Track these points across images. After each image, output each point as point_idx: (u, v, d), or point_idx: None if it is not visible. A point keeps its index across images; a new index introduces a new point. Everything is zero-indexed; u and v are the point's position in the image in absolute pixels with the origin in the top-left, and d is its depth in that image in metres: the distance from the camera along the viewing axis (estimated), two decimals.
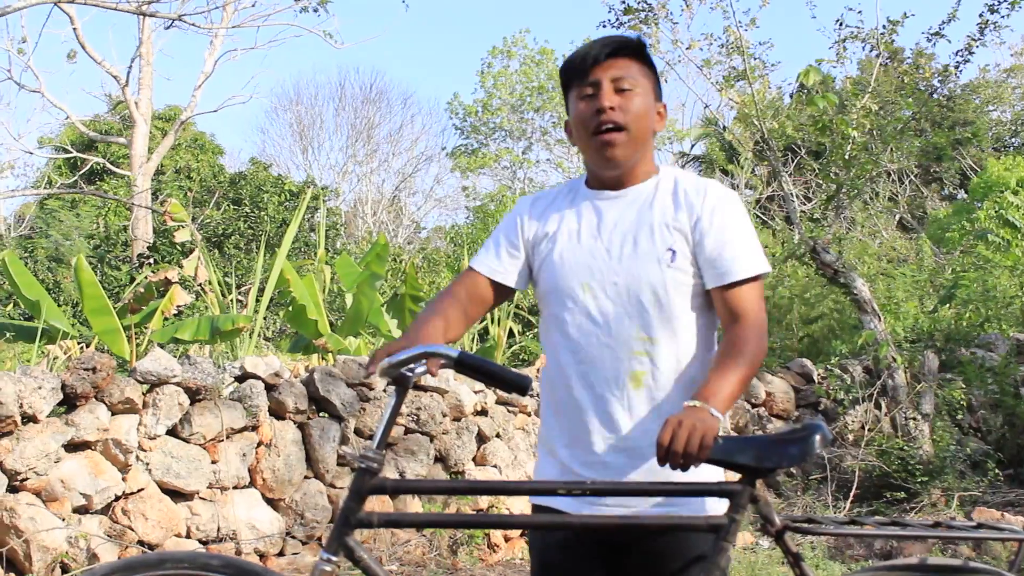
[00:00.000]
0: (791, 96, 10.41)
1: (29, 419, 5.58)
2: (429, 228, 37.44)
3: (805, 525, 2.49)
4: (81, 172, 21.53)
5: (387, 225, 34.99)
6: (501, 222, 2.86)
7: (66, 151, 23.64)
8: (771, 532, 2.51)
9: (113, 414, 5.93)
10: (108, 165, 20.99)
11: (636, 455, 2.58)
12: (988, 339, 12.28)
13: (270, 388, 6.70)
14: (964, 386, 10.33)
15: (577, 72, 2.65)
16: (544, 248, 2.72)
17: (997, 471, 9.75)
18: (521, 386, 2.37)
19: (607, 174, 2.68)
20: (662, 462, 2.34)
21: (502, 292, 2.80)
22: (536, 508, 2.75)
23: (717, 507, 2.56)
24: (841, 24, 10.12)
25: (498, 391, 7.96)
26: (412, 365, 2.41)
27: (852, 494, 8.71)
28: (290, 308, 9.19)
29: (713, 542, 2.45)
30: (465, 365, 2.37)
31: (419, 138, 38.73)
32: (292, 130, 38.16)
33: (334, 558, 2.43)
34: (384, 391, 7.15)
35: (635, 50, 2.67)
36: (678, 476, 2.48)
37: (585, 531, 2.65)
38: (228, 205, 21.09)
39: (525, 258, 2.77)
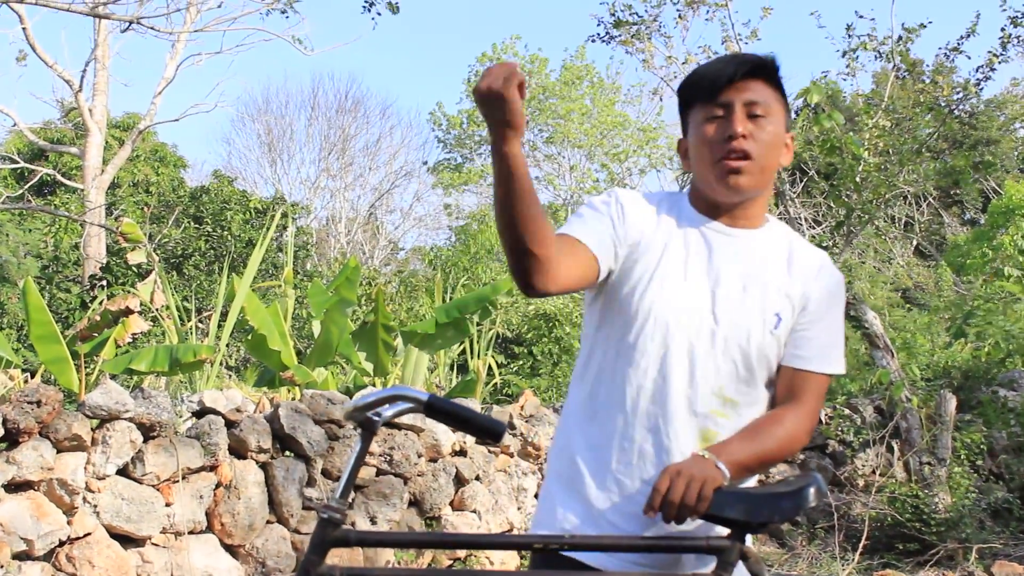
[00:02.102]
0: (796, 113, 10.45)
1: None
2: (407, 249, 37.35)
3: None
4: (29, 184, 21.42)
5: (362, 245, 34.93)
6: (596, 207, 2.62)
7: (13, 161, 23.53)
8: None
9: (59, 451, 5.91)
10: (59, 177, 20.93)
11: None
12: (1011, 376, 12.30)
13: (231, 424, 6.70)
14: (984, 428, 10.38)
15: (706, 91, 2.58)
16: (639, 267, 2.58)
17: (1022, 520, 9.78)
18: (495, 433, 2.37)
19: (727, 201, 2.61)
20: (656, 511, 2.36)
21: (590, 262, 2.53)
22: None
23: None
24: (851, 32, 10.20)
25: None
26: (379, 408, 2.40)
27: (862, 545, 8.70)
28: (250, 337, 9.19)
29: None
30: (435, 410, 2.37)
31: (398, 152, 38.63)
32: (260, 141, 38.05)
33: None
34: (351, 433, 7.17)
35: (771, 73, 2.60)
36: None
37: None
38: (188, 222, 21.07)
39: (625, 250, 2.59)
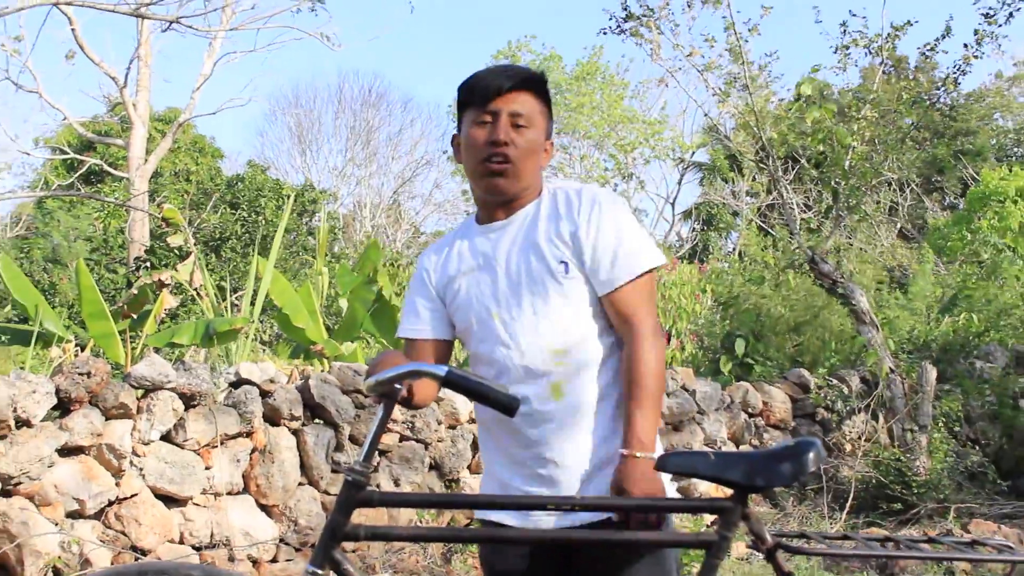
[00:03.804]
0: (790, 104, 10.39)
1: (23, 423, 5.56)
2: (428, 232, 37.30)
3: (796, 544, 2.49)
4: (79, 173, 21.47)
5: (385, 229, 34.87)
6: (411, 281, 2.92)
7: (63, 152, 23.59)
8: (762, 549, 2.50)
9: (107, 419, 5.92)
10: (106, 167, 20.94)
11: (569, 466, 2.65)
12: (987, 350, 12.27)
13: (265, 394, 6.69)
14: (962, 398, 10.35)
15: (479, 98, 2.69)
16: (451, 291, 2.79)
17: (996, 482, 9.76)
18: (509, 406, 2.37)
19: (490, 199, 2.75)
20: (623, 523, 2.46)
21: (438, 347, 2.86)
22: (484, 523, 2.79)
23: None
24: (845, 29, 10.14)
25: None
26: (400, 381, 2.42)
27: (848, 505, 8.68)
28: (278, 315, 9.18)
29: (706, 559, 2.46)
30: (452, 383, 2.37)
31: (419, 142, 38.58)
32: (291, 133, 38.03)
33: (320, 572, 2.43)
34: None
35: (537, 85, 2.73)
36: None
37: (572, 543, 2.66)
38: (225, 208, 21.07)
39: (441, 306, 2.84)
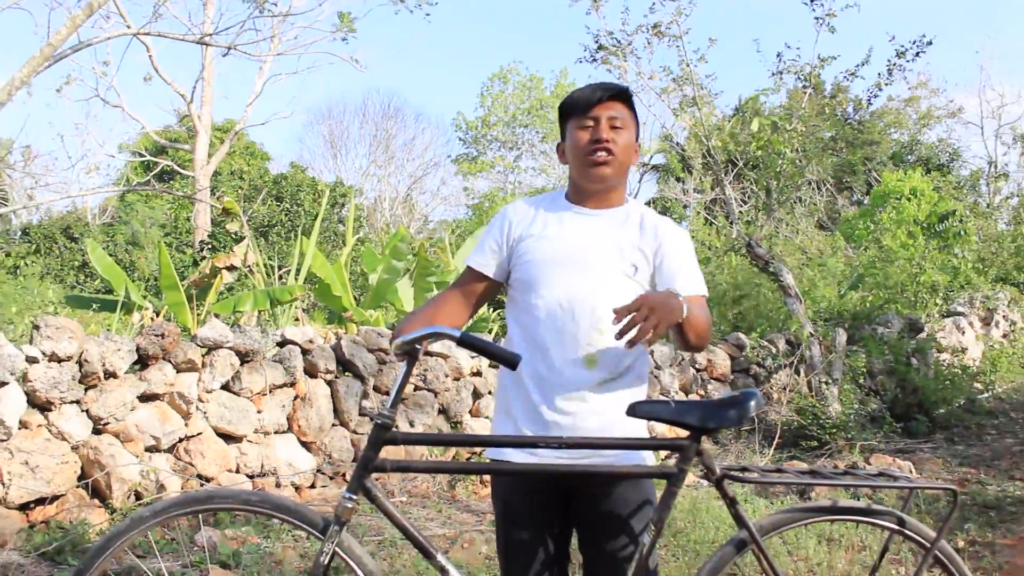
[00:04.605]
0: (731, 117, 10.37)
1: (110, 375, 5.54)
2: (435, 221, 37.31)
3: (740, 474, 2.48)
4: (153, 173, 21.34)
5: (401, 218, 34.84)
6: (492, 222, 2.81)
7: (141, 155, 23.52)
8: (711, 479, 2.49)
9: (178, 372, 5.90)
10: (176, 167, 20.86)
11: (585, 428, 2.56)
12: (886, 318, 12.31)
13: (305, 352, 6.66)
14: (866, 356, 10.37)
15: (580, 108, 2.66)
16: (525, 246, 2.68)
17: (892, 424, 9.79)
18: (512, 362, 2.35)
19: (594, 188, 2.67)
20: (618, 321, 2.31)
21: (491, 284, 2.77)
22: (493, 461, 2.70)
23: (650, 458, 2.61)
24: (781, 58, 10.15)
25: None
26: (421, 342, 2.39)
27: (775, 443, 8.71)
28: (318, 286, 9.14)
29: (666, 487, 2.44)
30: (466, 343, 2.34)
31: (428, 147, 38.58)
32: (324, 140, 38.01)
33: (355, 497, 2.41)
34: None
35: (626, 97, 2.69)
36: (630, 433, 2.54)
37: (551, 478, 2.61)
38: (272, 201, 20.97)
39: (507, 254, 2.73)
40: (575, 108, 2.68)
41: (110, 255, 21.55)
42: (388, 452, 6.04)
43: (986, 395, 11.97)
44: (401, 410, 7.17)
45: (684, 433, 2.44)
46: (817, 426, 9.02)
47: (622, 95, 2.69)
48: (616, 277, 2.60)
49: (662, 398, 2.22)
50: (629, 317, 2.28)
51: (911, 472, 8.22)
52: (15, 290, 14.06)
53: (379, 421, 2.41)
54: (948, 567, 2.55)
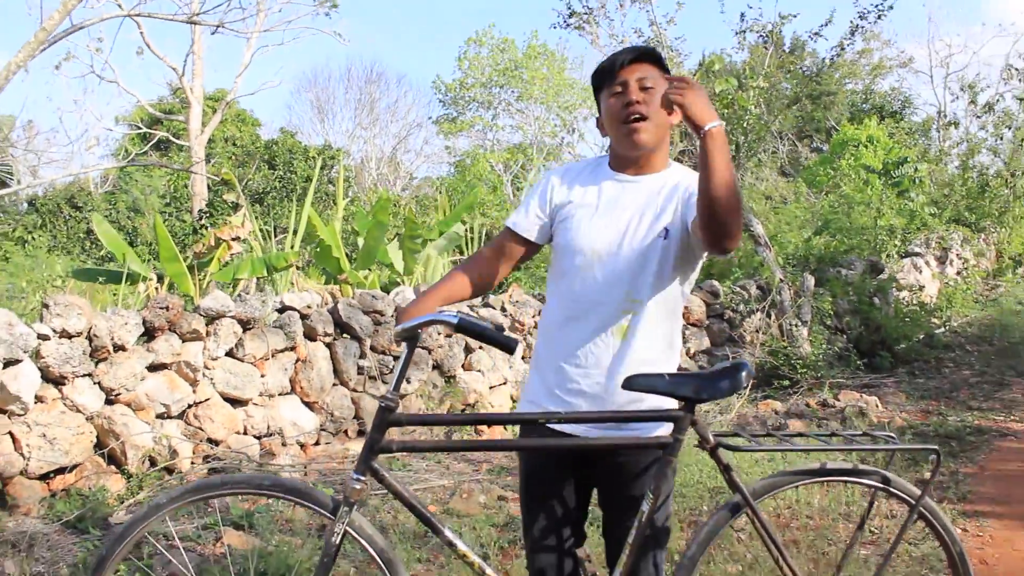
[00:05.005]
0: (694, 73, 10.23)
1: (119, 348, 5.43)
2: (420, 178, 37.12)
3: (732, 442, 2.42)
4: (150, 143, 21.06)
5: (387, 177, 34.59)
6: (534, 186, 2.64)
7: (137, 127, 23.16)
8: (705, 448, 2.43)
9: (183, 341, 5.79)
10: (171, 138, 20.55)
11: (607, 391, 2.45)
12: (849, 261, 12.31)
13: (304, 317, 6.56)
14: (831, 298, 10.36)
15: (607, 75, 2.48)
16: (566, 212, 2.54)
17: (856, 362, 9.81)
18: (509, 347, 2.26)
19: (633, 154, 2.49)
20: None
21: (529, 246, 2.63)
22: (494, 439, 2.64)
23: (663, 430, 2.47)
24: (744, 18, 10.03)
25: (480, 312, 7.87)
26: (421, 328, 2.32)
27: (750, 383, 8.68)
28: (318, 249, 9.01)
29: (662, 456, 2.37)
30: (463, 329, 2.25)
31: (411, 108, 38.32)
32: (312, 105, 37.77)
33: (363, 478, 2.33)
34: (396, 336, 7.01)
35: (652, 56, 2.50)
36: (656, 403, 2.43)
37: (564, 448, 2.54)
38: (264, 166, 20.70)
39: (549, 219, 2.58)
40: (603, 76, 2.51)
41: (112, 222, 21.37)
42: (390, 433, 5.95)
43: (943, 330, 12.02)
44: (394, 366, 7.07)
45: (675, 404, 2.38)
46: (789, 366, 9.03)
47: (648, 55, 2.49)
48: (649, 247, 2.44)
49: (661, 371, 2.17)
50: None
51: (877, 405, 8.25)
52: (25, 262, 13.88)
53: (383, 404, 2.33)
54: (932, 522, 2.51)
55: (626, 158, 2.52)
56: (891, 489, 2.48)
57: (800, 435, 2.59)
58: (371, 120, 36.84)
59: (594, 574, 2.62)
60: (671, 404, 2.41)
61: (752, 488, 2.45)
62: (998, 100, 18.28)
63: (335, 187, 17.33)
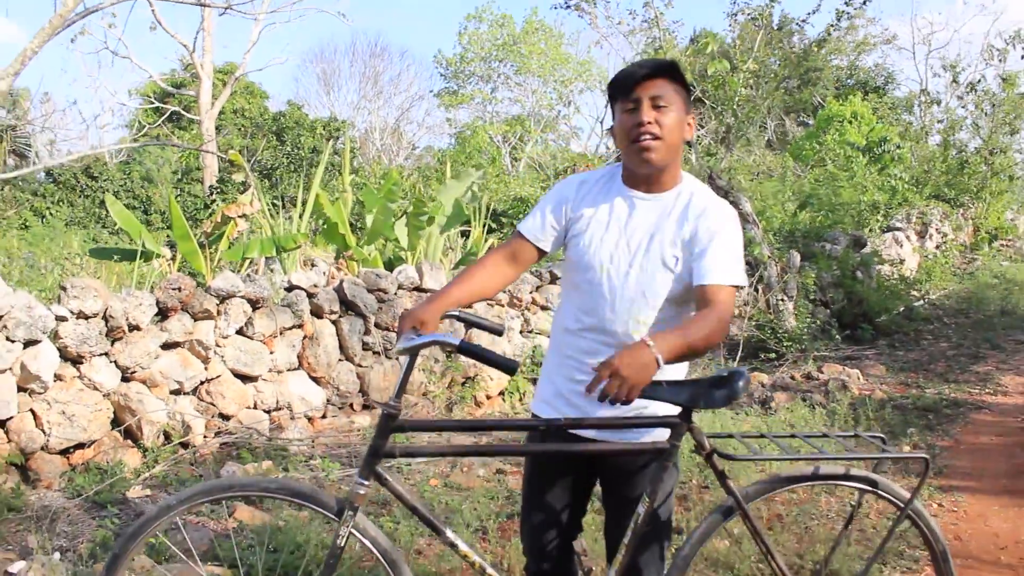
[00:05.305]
0: (686, 50, 10.13)
1: (134, 328, 5.38)
2: (421, 148, 36.94)
3: (725, 445, 2.39)
4: (163, 117, 20.86)
5: (390, 147, 34.38)
6: (549, 194, 2.55)
7: (151, 101, 22.96)
8: (702, 455, 2.39)
9: (195, 321, 5.73)
10: (182, 112, 20.36)
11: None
12: (834, 235, 12.26)
13: (311, 295, 6.49)
14: (816, 272, 10.32)
15: (621, 89, 2.37)
16: (580, 227, 2.46)
17: (837, 336, 9.78)
18: (511, 369, 2.19)
19: (642, 172, 2.40)
20: (590, 393, 2.09)
21: (540, 252, 2.55)
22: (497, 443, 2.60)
23: (661, 434, 2.42)
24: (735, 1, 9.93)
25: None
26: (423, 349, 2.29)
27: (738, 355, 8.67)
28: (325, 226, 8.92)
29: (659, 462, 2.33)
30: (465, 351, 2.19)
31: (413, 81, 38.07)
32: (318, 78, 37.47)
33: (366, 482, 2.29)
34: (397, 296, 6.95)
35: (670, 71, 2.38)
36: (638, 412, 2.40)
37: (576, 440, 2.48)
38: (272, 137, 20.53)
39: (563, 230, 2.50)
40: (618, 89, 2.40)
41: (127, 191, 21.23)
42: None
43: (922, 303, 11.99)
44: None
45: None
46: (775, 339, 9.01)
47: (666, 70, 2.37)
48: (657, 270, 2.37)
49: (658, 379, 2.13)
50: (601, 385, 2.05)
51: (859, 378, 8.23)
52: (45, 232, 13.80)
53: (386, 411, 2.29)
54: (918, 523, 2.48)
55: (637, 175, 2.43)
56: (880, 492, 2.44)
57: (792, 436, 2.55)
58: (375, 92, 36.57)
59: (590, 569, 2.59)
60: (669, 410, 2.37)
61: (744, 491, 2.42)
62: (980, 80, 18.11)
63: (340, 158, 17.21)
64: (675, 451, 2.34)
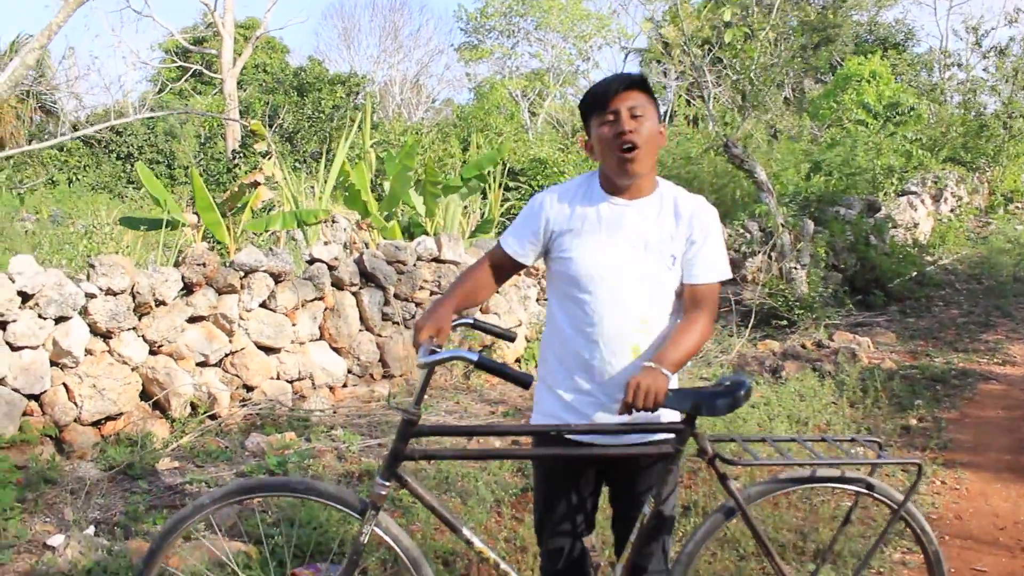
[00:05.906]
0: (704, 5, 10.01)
1: (160, 303, 5.49)
2: (440, 101, 36.78)
3: (726, 448, 2.46)
4: (185, 76, 20.84)
5: (410, 100, 34.21)
6: (527, 210, 2.59)
7: (174, 60, 22.93)
8: (705, 459, 2.47)
9: (220, 295, 5.84)
10: (203, 70, 20.32)
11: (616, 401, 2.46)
12: (848, 200, 12.19)
13: (332, 268, 6.58)
14: (829, 237, 10.30)
15: (598, 104, 2.44)
16: (568, 241, 2.50)
17: (849, 303, 9.78)
18: (525, 383, 2.27)
19: (624, 182, 2.47)
20: (626, 412, 2.29)
21: (522, 266, 2.64)
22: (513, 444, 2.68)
23: (664, 439, 2.50)
24: None
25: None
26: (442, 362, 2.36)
27: (750, 323, 8.71)
28: (347, 193, 8.99)
29: (664, 464, 2.42)
30: (482, 366, 2.27)
31: (432, 36, 38.00)
32: (339, 33, 37.30)
33: (388, 484, 2.39)
34: (415, 268, 7.02)
35: (641, 84, 2.46)
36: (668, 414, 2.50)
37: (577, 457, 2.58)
38: (293, 92, 20.45)
39: (542, 245, 2.55)
40: (594, 104, 2.46)
41: (151, 146, 21.33)
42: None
43: (934, 267, 11.95)
44: (416, 312, 7.11)
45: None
46: (787, 307, 9.03)
47: (637, 83, 2.45)
48: (656, 271, 2.44)
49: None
50: (632, 407, 2.28)
51: (869, 346, 8.26)
52: (74, 192, 13.90)
53: (405, 417, 2.37)
54: (912, 525, 2.56)
55: (618, 183, 2.49)
56: (875, 495, 2.52)
57: (792, 440, 2.63)
58: (395, 47, 36.38)
59: (598, 565, 2.70)
60: (674, 417, 2.47)
61: (745, 493, 2.50)
62: (1010, 43, 17.69)
63: (361, 112, 17.17)
64: (679, 455, 2.42)
